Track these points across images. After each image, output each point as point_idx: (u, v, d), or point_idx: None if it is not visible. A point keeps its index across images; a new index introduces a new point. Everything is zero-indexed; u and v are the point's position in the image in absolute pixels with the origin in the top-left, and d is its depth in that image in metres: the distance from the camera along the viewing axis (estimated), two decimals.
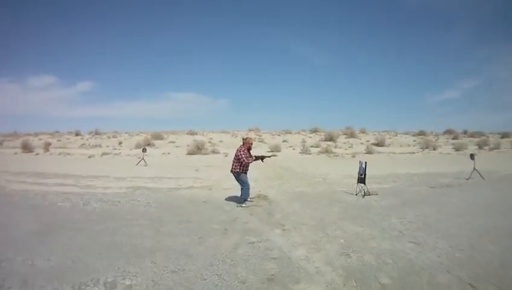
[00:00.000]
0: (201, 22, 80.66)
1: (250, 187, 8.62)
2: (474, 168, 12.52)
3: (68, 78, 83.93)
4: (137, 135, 36.60)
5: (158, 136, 32.33)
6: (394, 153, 25.55)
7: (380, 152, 25.96)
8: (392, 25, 78.54)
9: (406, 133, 39.58)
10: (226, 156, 23.13)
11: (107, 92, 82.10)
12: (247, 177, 8.47)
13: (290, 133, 37.57)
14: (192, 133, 36.45)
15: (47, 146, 28.03)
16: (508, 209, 7.61)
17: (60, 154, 25.41)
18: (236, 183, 8.63)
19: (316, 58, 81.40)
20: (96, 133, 37.74)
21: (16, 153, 25.76)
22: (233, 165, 8.44)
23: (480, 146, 29.40)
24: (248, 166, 8.47)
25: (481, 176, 12.27)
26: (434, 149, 28.20)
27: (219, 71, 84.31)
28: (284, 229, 6.23)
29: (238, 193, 8.63)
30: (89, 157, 23.31)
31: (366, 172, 9.65)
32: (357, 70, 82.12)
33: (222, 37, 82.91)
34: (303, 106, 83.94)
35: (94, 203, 8.42)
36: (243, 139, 8.73)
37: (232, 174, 8.52)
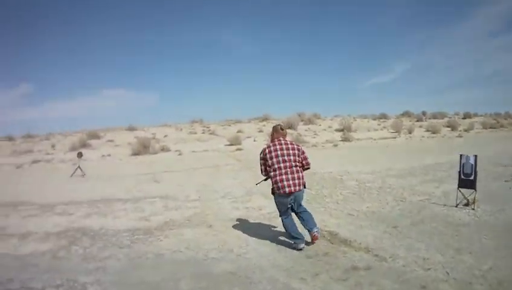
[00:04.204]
0: (129, 16, 72.15)
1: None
2: None
3: (7, 81, 72.62)
4: (71, 135, 28.95)
5: (94, 135, 25.86)
6: (374, 139, 23.05)
7: (358, 139, 23.15)
8: (321, 8, 76.10)
9: (364, 117, 37.45)
10: (179, 154, 19.03)
11: (45, 93, 71.57)
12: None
13: (240, 122, 32.61)
14: (131, 129, 29.63)
15: None
16: None
17: None
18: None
19: (244, 47, 76.48)
20: (29, 136, 29.37)
21: None
22: (295, 174, 4.72)
23: (453, 128, 28.52)
24: None
25: None
26: (410, 133, 26.31)
27: (148, 65, 75.33)
28: None
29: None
30: (17, 167, 17.35)
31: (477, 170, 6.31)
32: (287, 58, 78.00)
33: (151, 31, 74.42)
34: (237, 95, 79.36)
35: None
36: (281, 129, 5.00)
37: (294, 194, 4.70)
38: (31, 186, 11.26)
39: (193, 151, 19.74)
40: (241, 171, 11.94)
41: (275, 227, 5.45)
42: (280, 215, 4.89)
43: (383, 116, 35.80)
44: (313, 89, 75.32)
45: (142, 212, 7.04)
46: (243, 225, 5.81)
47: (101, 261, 4.65)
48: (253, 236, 5.24)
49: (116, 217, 6.85)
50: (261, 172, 4.92)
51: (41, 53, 66.95)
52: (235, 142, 21.30)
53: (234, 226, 5.77)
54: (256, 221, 6.04)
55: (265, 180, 5.10)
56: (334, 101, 71.33)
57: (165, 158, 17.78)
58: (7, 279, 4.20)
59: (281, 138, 4.84)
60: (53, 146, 24.91)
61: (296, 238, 4.63)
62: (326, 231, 5.33)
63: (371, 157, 14.53)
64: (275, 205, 4.93)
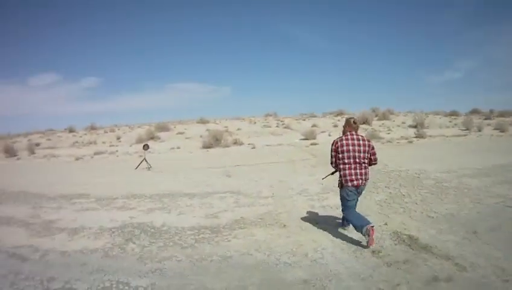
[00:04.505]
0: (199, 11, 78.27)
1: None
2: None
3: (72, 75, 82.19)
4: (138, 127, 29.85)
5: (163, 127, 26.14)
6: (447, 136, 21.70)
7: (431, 136, 21.85)
8: (387, 5, 74.91)
9: (436, 114, 35.36)
10: (253, 148, 18.75)
11: (110, 87, 79.76)
12: None
13: (314, 117, 32.08)
14: (203, 121, 29.55)
15: (32, 148, 22.64)
16: None
17: (45, 156, 20.18)
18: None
19: (312, 42, 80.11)
20: (92, 128, 30.65)
21: None
22: (363, 169, 4.88)
23: None
24: None
25: None
26: (479, 130, 24.95)
27: (220, 60, 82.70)
28: None
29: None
30: (77, 159, 18.11)
31: None
32: (353, 53, 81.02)
33: (221, 26, 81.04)
34: (311, 90, 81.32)
35: None
36: (354, 123, 5.02)
37: (357, 188, 4.91)
38: (92, 178, 11.15)
39: (267, 145, 19.29)
40: (317, 166, 11.48)
41: (353, 229, 5.04)
42: (343, 210, 4.97)
43: (454, 114, 34.07)
44: (385, 84, 74.42)
45: (210, 209, 6.71)
46: (319, 226, 5.47)
47: (159, 263, 4.32)
48: (329, 239, 4.95)
49: (181, 213, 6.57)
50: (331, 163, 5.05)
51: (108, 47, 75.01)
52: (310, 136, 20.81)
53: (309, 227, 5.47)
54: (334, 221, 5.69)
55: (333, 173, 5.25)
56: (405, 97, 69.74)
57: (238, 152, 17.34)
58: (48, 277, 3.91)
59: (353, 132, 4.93)
60: (118, 138, 25.27)
61: (364, 225, 4.52)
62: (406, 234, 5.00)
63: (445, 155, 13.81)
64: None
